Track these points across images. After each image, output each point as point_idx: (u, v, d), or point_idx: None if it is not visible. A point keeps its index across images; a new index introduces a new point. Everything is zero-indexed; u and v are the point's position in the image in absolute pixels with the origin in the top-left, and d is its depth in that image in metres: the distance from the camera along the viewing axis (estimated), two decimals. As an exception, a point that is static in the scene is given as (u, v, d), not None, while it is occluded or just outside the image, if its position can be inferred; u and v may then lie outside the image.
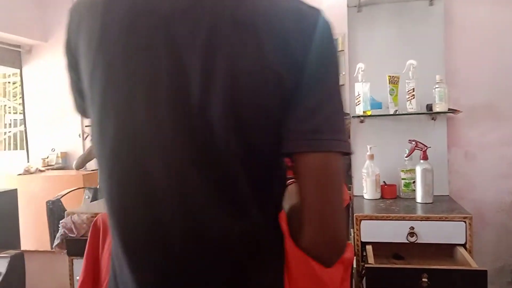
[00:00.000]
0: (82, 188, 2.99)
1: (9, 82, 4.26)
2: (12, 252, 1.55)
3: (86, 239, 1.88)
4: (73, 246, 1.90)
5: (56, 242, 1.91)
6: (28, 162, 3.65)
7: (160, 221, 0.64)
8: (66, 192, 2.79)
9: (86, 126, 3.31)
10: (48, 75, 3.55)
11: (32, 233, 3.00)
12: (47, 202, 2.60)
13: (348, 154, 0.62)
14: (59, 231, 1.92)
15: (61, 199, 2.74)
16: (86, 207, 2.41)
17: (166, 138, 0.62)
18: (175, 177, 0.62)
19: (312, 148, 0.60)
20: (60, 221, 1.94)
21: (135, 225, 0.65)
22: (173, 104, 0.61)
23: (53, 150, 3.72)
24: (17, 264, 1.57)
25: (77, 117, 3.53)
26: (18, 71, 3.68)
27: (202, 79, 0.60)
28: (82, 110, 0.82)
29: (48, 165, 3.64)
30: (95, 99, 0.65)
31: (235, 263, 0.65)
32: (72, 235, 1.89)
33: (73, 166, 3.51)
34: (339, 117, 0.63)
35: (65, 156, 3.72)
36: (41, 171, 3.51)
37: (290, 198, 0.72)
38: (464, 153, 2.20)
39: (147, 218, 0.64)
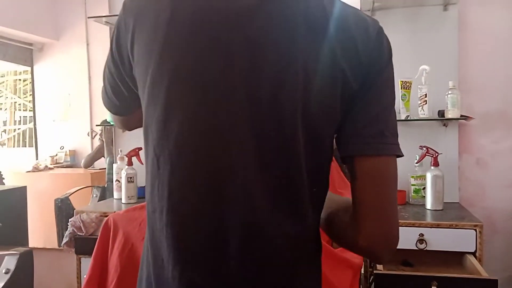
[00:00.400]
0: (90, 186, 3.00)
1: (19, 80, 4.30)
2: (21, 249, 1.56)
3: (95, 238, 1.88)
4: (81, 245, 1.91)
5: (65, 240, 1.91)
6: (37, 159, 3.68)
7: (223, 219, 0.63)
8: (74, 190, 2.80)
9: (96, 125, 3.33)
10: (59, 73, 3.58)
11: (40, 231, 3.02)
12: (55, 200, 2.61)
13: (400, 156, 0.66)
14: (68, 229, 1.93)
15: (69, 197, 2.75)
16: (93, 205, 2.41)
17: (235, 135, 0.62)
18: (241, 175, 0.63)
19: (379, 151, 0.64)
20: (69, 220, 1.95)
21: (195, 221, 0.65)
22: (245, 102, 0.62)
23: (61, 148, 3.75)
24: (26, 261, 1.58)
25: (86, 115, 3.56)
26: (29, 68, 3.71)
27: (275, 78, 0.62)
28: (111, 105, 0.83)
29: (57, 163, 3.66)
30: (159, 93, 0.65)
31: (284, 268, 0.66)
32: (81, 234, 1.90)
33: (82, 164, 3.54)
34: (395, 123, 0.68)
35: (73, 154, 3.75)
36: (49, 168, 3.53)
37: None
38: (476, 160, 2.18)
39: (210, 215, 0.64)
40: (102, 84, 0.83)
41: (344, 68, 0.62)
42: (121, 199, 2.21)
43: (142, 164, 2.24)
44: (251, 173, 0.62)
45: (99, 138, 3.46)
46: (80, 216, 1.93)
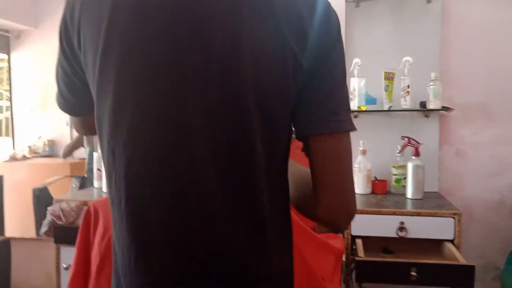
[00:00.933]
0: (70, 176, 2.95)
1: (-4, 67, 4.18)
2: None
3: (75, 227, 1.85)
4: (60, 234, 1.88)
5: (44, 229, 1.88)
6: (13, 149, 3.60)
7: (180, 207, 0.63)
8: (53, 180, 2.75)
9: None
10: (37, 62, 3.50)
11: (17, 220, 2.95)
12: (34, 189, 2.55)
13: (352, 131, 0.68)
14: (47, 218, 1.89)
15: (47, 187, 2.70)
16: (73, 194, 2.37)
17: (186, 118, 0.61)
18: (196, 160, 0.62)
19: (333, 129, 0.65)
20: (48, 208, 1.91)
21: (153, 212, 0.65)
22: (193, 83, 0.61)
23: (39, 137, 3.67)
24: (3, 250, 1.54)
25: (66, 105, 3.50)
26: (6, 56, 3.61)
27: (223, 58, 0.60)
28: (68, 105, 0.79)
29: (35, 153, 3.59)
30: (108, 85, 0.63)
31: (245, 249, 0.66)
32: (60, 223, 1.87)
33: (61, 154, 3.47)
34: (348, 99, 0.69)
35: (52, 144, 3.67)
36: (27, 158, 3.46)
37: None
38: (455, 151, 2.22)
39: (168, 204, 0.64)
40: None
41: (293, 47, 0.62)
42: (101, 188, 2.18)
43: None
44: (205, 157, 0.62)
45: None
46: (59, 205, 1.89)
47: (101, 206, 1.20)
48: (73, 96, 0.77)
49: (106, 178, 0.68)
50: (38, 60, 3.49)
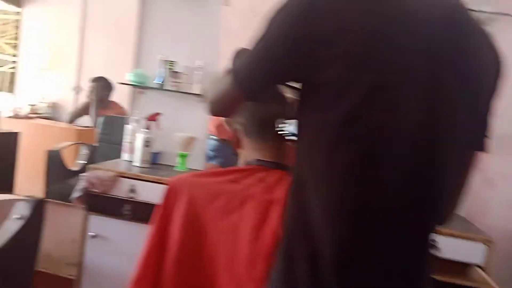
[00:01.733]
0: (83, 143, 2.85)
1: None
2: (34, 197, 1.45)
3: (108, 197, 1.79)
4: (93, 202, 1.80)
5: (77, 194, 1.80)
6: (15, 106, 3.44)
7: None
8: (68, 144, 2.64)
9: (92, 81, 3.15)
10: (51, 19, 3.37)
11: (22, 179, 2.79)
12: (50, 152, 2.44)
13: None
14: (80, 184, 1.81)
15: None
16: (109, 164, 2.26)
17: (443, 142, 0.72)
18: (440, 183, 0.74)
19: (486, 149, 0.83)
20: (84, 175, 1.83)
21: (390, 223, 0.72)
22: (453, 111, 0.71)
23: (43, 98, 3.54)
24: (39, 208, 1.48)
25: (73, 69, 3.37)
26: (17, 10, 3.46)
27: (456, 84, 0.70)
28: (259, 87, 0.75)
29: (36, 113, 3.46)
30: (384, 94, 0.67)
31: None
32: (95, 191, 1.79)
33: (66, 119, 3.36)
34: None
35: (54, 106, 3.56)
36: (29, 117, 3.33)
37: None
38: (484, 178, 2.28)
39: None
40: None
41: (492, 77, 0.79)
42: (131, 161, 2.09)
43: (160, 130, 2.14)
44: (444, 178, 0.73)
45: (87, 96, 3.28)
46: (96, 173, 1.81)
47: (185, 183, 1.15)
48: (265, 81, 0.74)
49: (340, 180, 0.70)
50: (52, 17, 3.36)
